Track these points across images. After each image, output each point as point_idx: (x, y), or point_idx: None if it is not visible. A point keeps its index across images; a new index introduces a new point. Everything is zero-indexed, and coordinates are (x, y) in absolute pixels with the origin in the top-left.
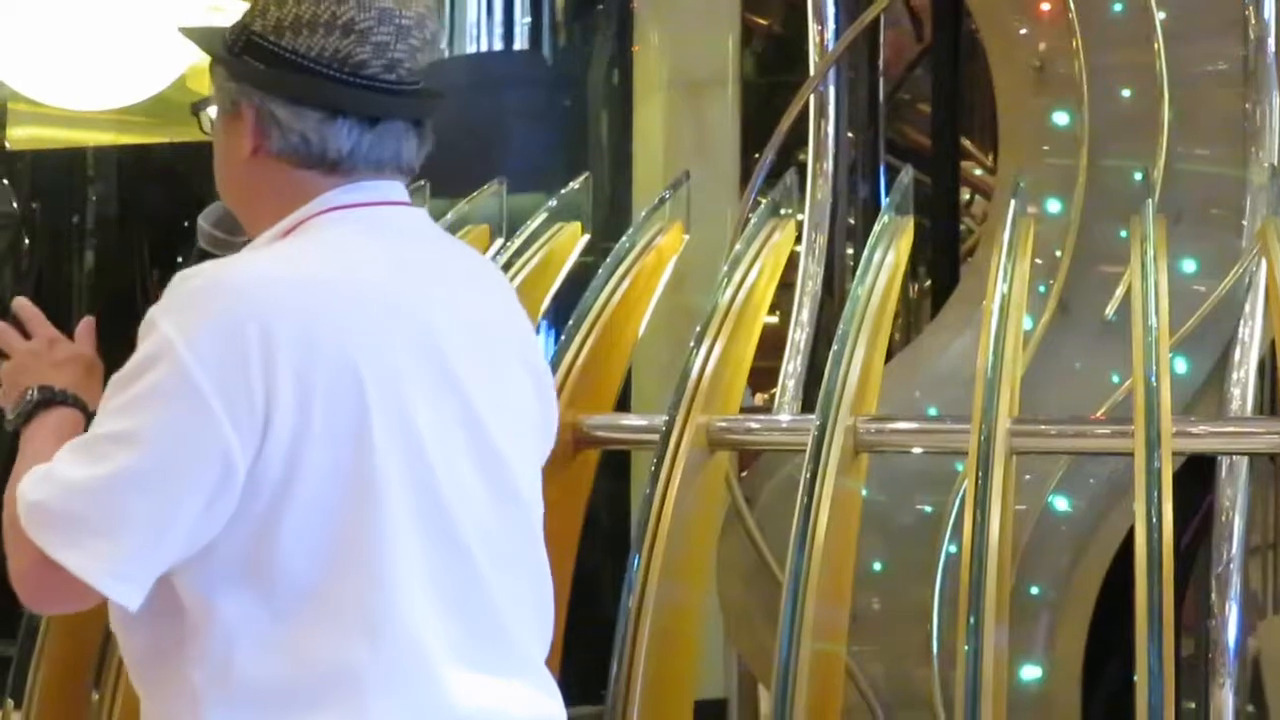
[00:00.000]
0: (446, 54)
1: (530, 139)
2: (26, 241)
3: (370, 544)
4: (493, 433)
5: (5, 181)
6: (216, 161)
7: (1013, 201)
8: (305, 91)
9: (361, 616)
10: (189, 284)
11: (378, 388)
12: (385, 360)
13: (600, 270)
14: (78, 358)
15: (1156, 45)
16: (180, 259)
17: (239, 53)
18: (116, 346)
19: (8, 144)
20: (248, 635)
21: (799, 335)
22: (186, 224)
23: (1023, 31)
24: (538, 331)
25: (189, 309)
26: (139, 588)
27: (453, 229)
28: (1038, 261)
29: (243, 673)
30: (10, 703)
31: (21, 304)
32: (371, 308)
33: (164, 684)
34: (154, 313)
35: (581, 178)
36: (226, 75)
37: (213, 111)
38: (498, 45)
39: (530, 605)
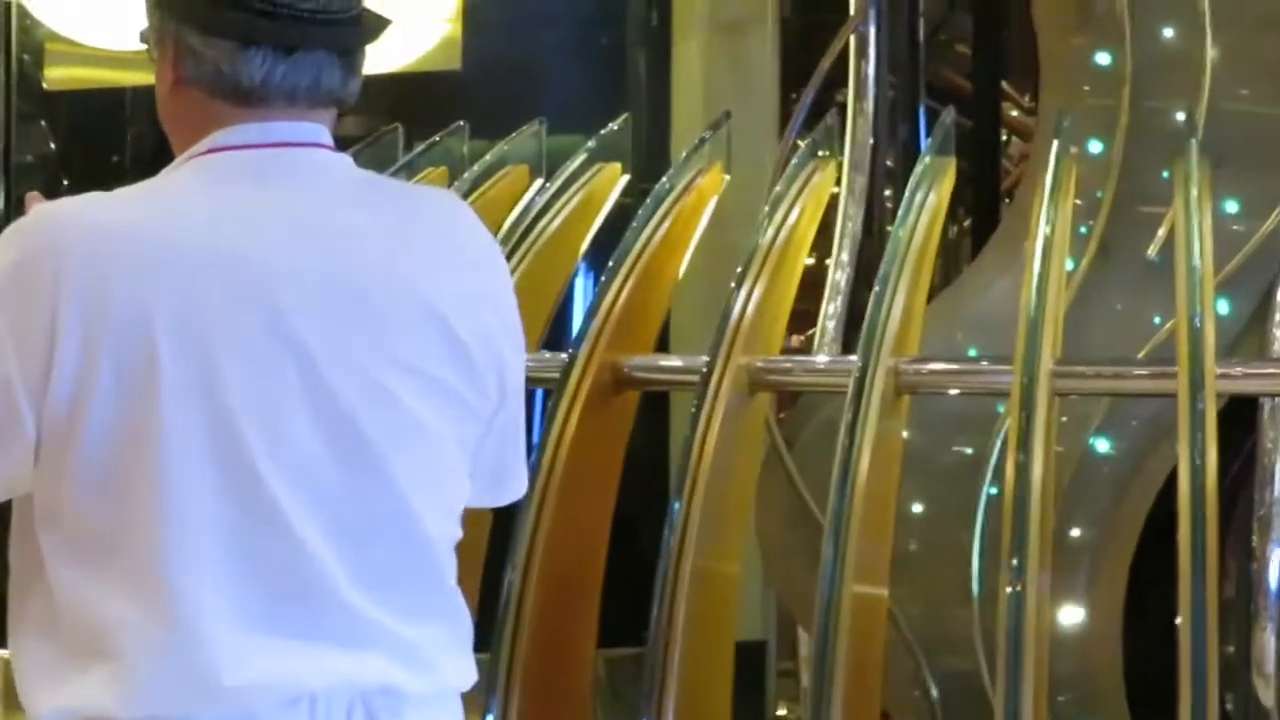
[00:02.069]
0: None
1: (570, 79)
2: (64, 183)
3: (149, 505)
4: (345, 399)
5: (43, 122)
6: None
7: (1055, 142)
8: (216, 21)
9: (136, 576)
10: (30, 217)
11: (175, 346)
12: (191, 319)
13: (640, 211)
14: None
15: None
16: None
17: None
18: None
19: (45, 84)
20: (58, 580)
21: (839, 276)
22: None
23: None
24: (577, 274)
25: (5, 242)
26: None
27: (491, 170)
28: (1079, 202)
29: (58, 612)
30: None
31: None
32: (183, 264)
33: (17, 613)
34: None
35: (621, 118)
36: (151, 4)
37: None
38: None
39: (401, 583)
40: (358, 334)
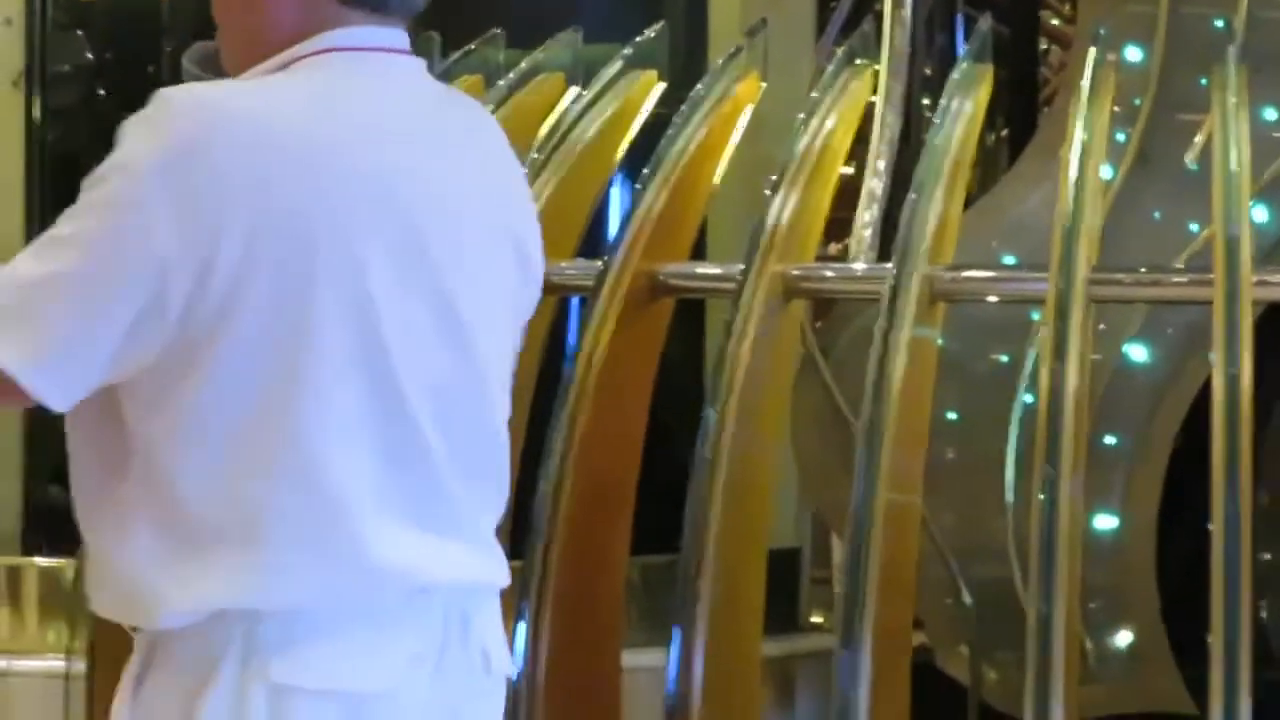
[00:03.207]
0: None
1: None
2: (100, 92)
3: (300, 392)
4: (459, 302)
5: (79, 32)
6: None
7: (1093, 49)
8: None
9: (284, 463)
10: (168, 100)
11: (330, 249)
12: (340, 219)
13: (676, 119)
14: None
15: None
16: None
17: None
18: None
19: None
20: (178, 469)
21: (875, 185)
22: None
23: None
24: (613, 183)
25: (159, 125)
26: (60, 390)
27: (526, 78)
28: (1116, 110)
29: (177, 502)
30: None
31: None
32: (337, 168)
33: (101, 512)
34: (127, 124)
35: (657, 26)
36: None
37: None
38: None
39: (481, 474)
40: (460, 240)
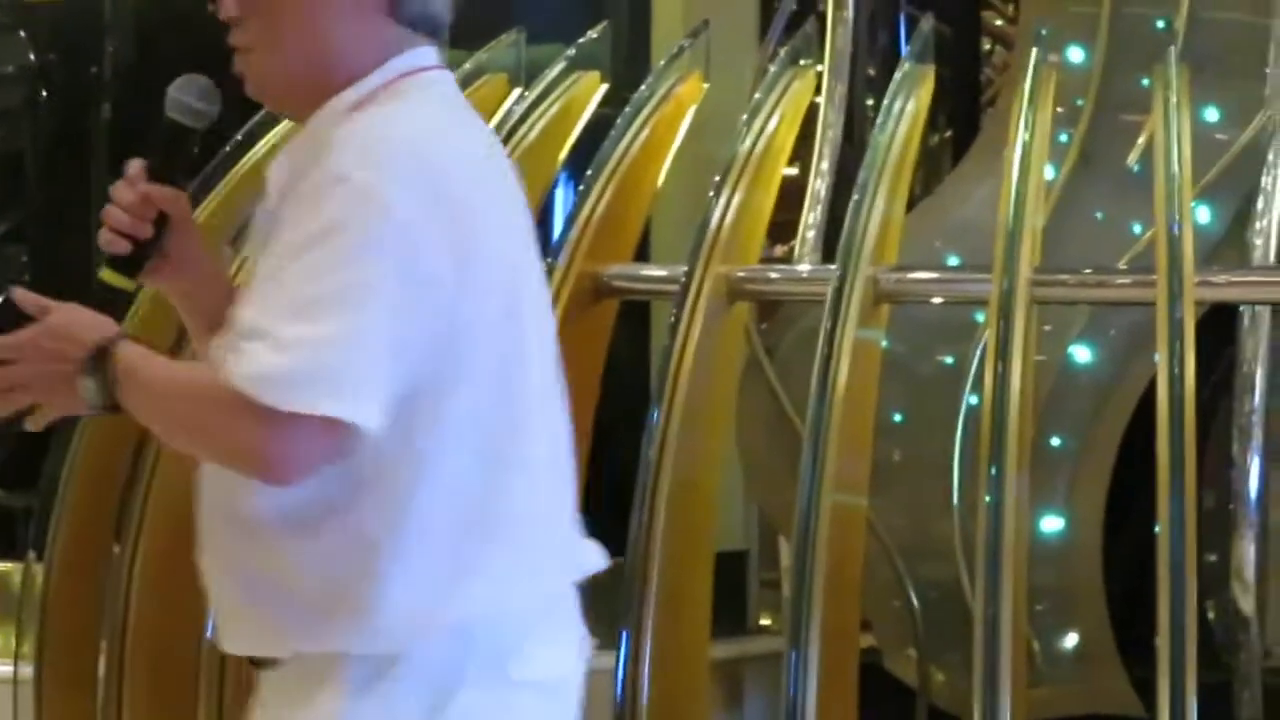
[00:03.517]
0: None
1: None
2: (44, 94)
3: (529, 407)
4: (546, 312)
5: (22, 33)
6: (272, 23)
7: (1034, 50)
8: None
9: (520, 462)
10: (383, 139)
11: (515, 255)
12: (511, 232)
13: (619, 120)
14: (69, 314)
15: None
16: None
17: None
18: None
19: None
20: (433, 479)
21: (819, 185)
22: (207, 73)
23: None
24: (557, 184)
25: (387, 163)
26: (378, 423)
27: (469, 79)
28: (1059, 110)
29: (421, 516)
30: (32, 554)
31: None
32: (504, 184)
33: (327, 532)
34: (341, 168)
35: (600, 27)
36: None
37: None
38: None
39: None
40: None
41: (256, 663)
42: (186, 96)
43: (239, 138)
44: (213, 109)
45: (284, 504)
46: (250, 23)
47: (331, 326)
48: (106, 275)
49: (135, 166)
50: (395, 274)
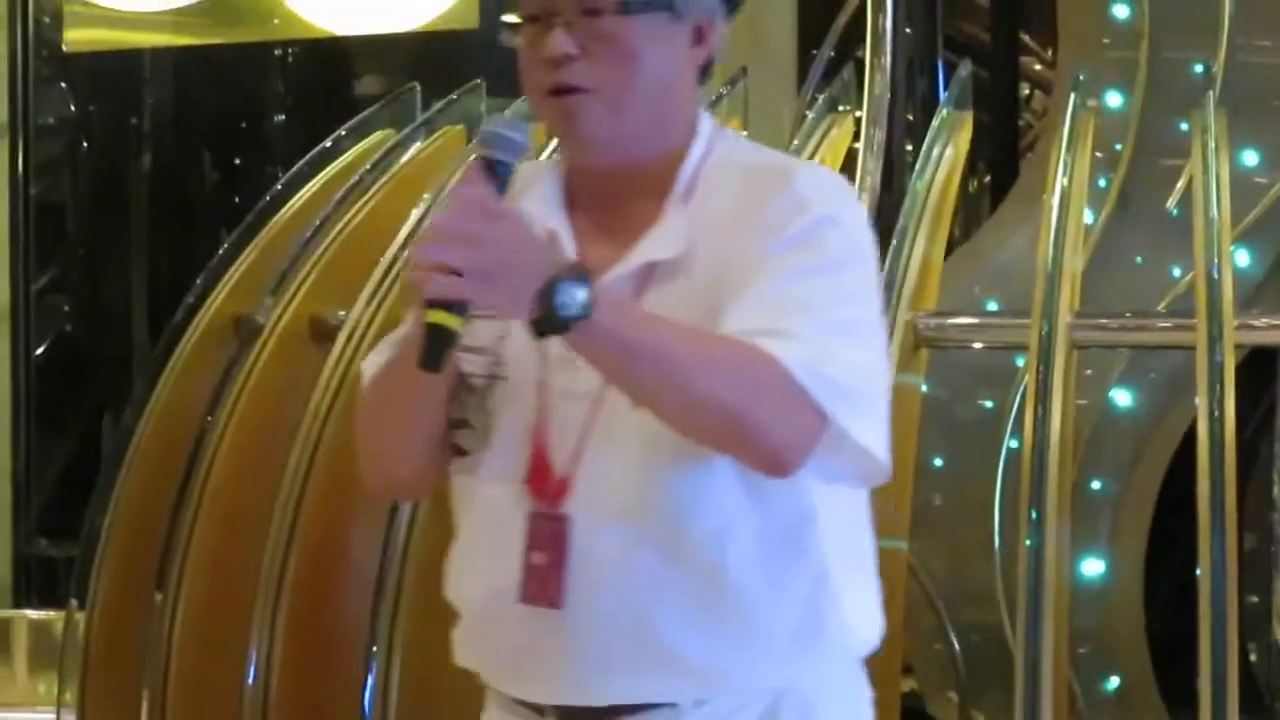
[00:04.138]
0: None
1: None
2: (84, 145)
3: None
4: None
5: (63, 84)
6: (630, 67)
7: (1073, 94)
8: (734, 3)
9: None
10: (842, 183)
11: None
12: None
13: None
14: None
15: None
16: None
17: None
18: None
19: (64, 46)
20: (844, 508)
21: None
22: (244, 125)
23: None
24: None
25: (857, 210)
26: None
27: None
28: (1098, 155)
29: (849, 545)
30: (74, 603)
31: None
32: None
33: (786, 566)
34: (825, 208)
35: None
36: None
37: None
38: None
39: None
40: None
41: (622, 710)
42: (502, 129)
43: (279, 187)
44: (526, 141)
45: (755, 538)
46: (588, 65)
47: (860, 354)
48: (438, 316)
49: (474, 208)
50: (878, 317)
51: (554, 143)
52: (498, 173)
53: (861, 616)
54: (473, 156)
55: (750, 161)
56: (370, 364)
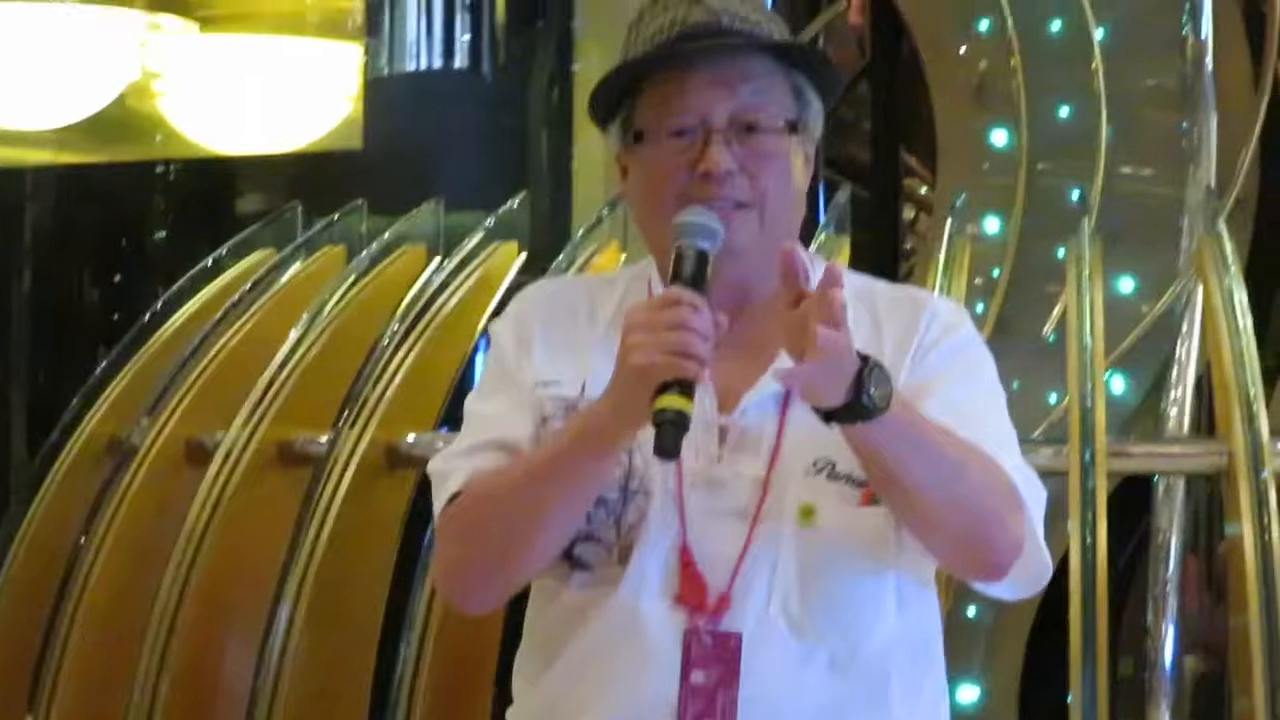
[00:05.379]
0: (385, 72)
1: (470, 157)
2: None
3: None
4: None
5: None
6: (786, 184)
7: (949, 220)
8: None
9: None
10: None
11: None
12: None
13: None
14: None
15: (1094, 64)
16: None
17: (828, 80)
18: (52, 366)
19: None
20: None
21: None
22: (124, 242)
23: (962, 50)
24: (476, 351)
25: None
26: None
27: (389, 248)
28: (977, 280)
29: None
30: None
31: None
32: None
33: (925, 674)
34: (970, 331)
35: (519, 196)
36: (820, 108)
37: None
38: (437, 63)
39: None
40: None
41: None
42: (703, 219)
43: (158, 306)
44: (721, 229)
45: (907, 642)
46: (747, 181)
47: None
48: (675, 401)
49: (691, 296)
50: None
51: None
52: (703, 263)
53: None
54: (678, 246)
55: (857, 284)
56: (457, 467)
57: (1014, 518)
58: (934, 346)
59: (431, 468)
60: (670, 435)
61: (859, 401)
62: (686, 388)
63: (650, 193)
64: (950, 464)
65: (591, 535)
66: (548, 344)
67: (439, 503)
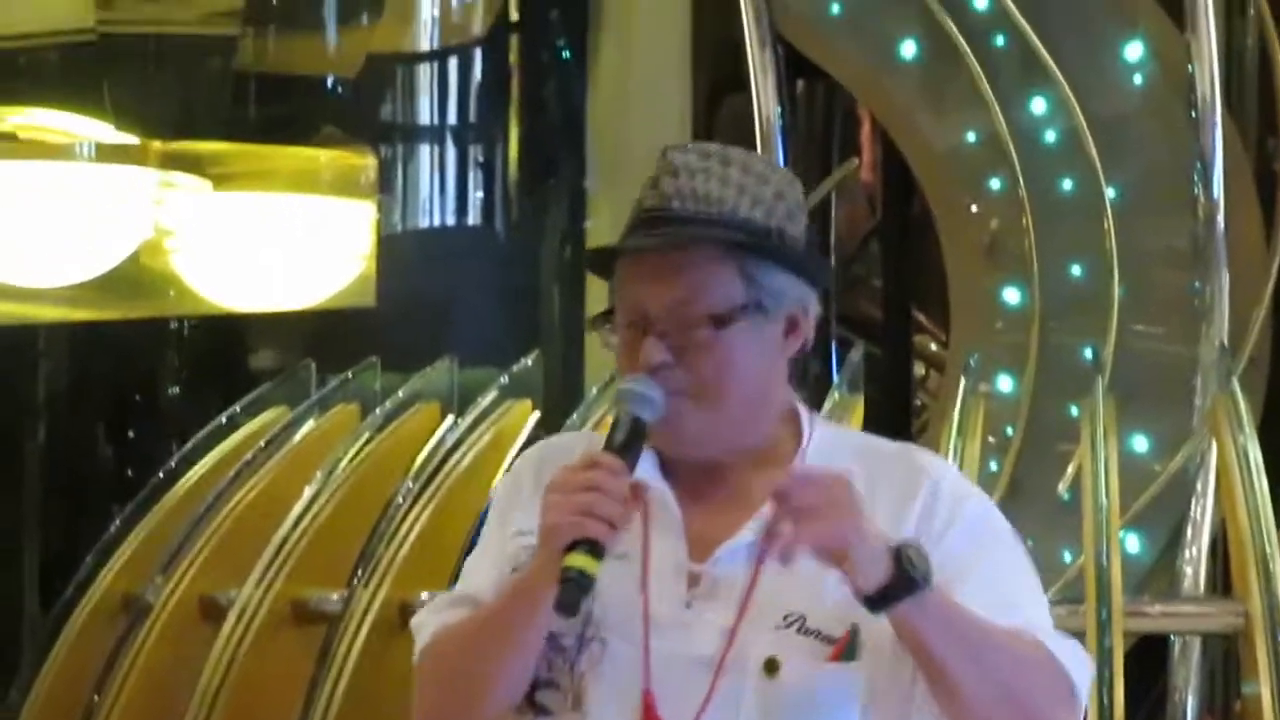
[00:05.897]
0: (398, 229)
1: (482, 314)
2: None
3: None
4: None
5: None
6: (726, 374)
7: (963, 379)
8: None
9: None
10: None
11: None
12: None
13: None
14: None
15: (1106, 223)
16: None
17: (790, 256)
18: (65, 524)
19: None
20: None
21: None
22: (138, 399)
23: (974, 208)
24: (488, 509)
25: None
26: None
27: (403, 406)
28: (990, 439)
29: None
30: None
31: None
32: None
33: None
34: (984, 502)
35: (533, 355)
36: (790, 281)
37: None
38: (450, 220)
39: None
40: None
41: None
42: (641, 387)
43: (172, 463)
44: (660, 398)
45: None
46: (684, 373)
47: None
48: (578, 560)
49: (609, 459)
50: None
51: None
52: (638, 430)
53: None
54: (615, 412)
55: (858, 443)
56: (428, 622)
57: (1066, 709)
58: (949, 526)
59: (412, 622)
60: (570, 593)
61: (900, 577)
62: (595, 548)
63: (619, 371)
64: (992, 649)
65: (551, 681)
66: (535, 497)
67: (415, 655)
